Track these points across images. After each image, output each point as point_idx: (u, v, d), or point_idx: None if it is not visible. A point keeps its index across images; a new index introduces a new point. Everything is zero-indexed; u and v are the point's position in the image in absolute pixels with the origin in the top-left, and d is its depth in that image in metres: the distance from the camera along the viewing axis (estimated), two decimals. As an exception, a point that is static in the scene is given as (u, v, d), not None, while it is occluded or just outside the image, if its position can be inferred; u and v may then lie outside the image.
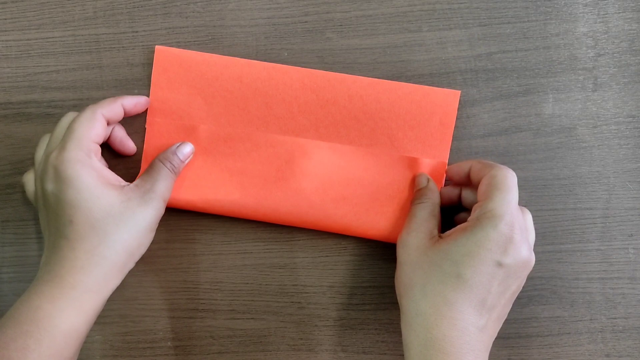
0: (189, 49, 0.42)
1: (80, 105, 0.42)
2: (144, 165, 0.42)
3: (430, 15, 0.42)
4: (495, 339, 0.42)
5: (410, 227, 0.38)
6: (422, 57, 0.42)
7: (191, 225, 0.43)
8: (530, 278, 0.42)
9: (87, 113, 0.38)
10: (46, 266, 0.36)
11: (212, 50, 0.42)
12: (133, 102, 0.40)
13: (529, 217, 0.38)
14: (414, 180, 0.42)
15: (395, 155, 0.42)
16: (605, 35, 0.42)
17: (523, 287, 0.41)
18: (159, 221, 0.39)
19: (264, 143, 0.42)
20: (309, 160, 0.42)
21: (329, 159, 0.42)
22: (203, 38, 0.42)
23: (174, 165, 0.40)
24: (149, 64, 0.42)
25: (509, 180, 0.36)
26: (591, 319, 0.42)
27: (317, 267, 0.43)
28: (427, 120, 0.42)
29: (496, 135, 0.42)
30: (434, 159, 0.42)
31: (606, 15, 0.42)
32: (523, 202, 0.42)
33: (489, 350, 0.36)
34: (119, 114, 0.40)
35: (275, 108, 0.42)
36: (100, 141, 0.39)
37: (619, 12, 0.43)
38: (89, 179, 0.36)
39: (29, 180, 0.40)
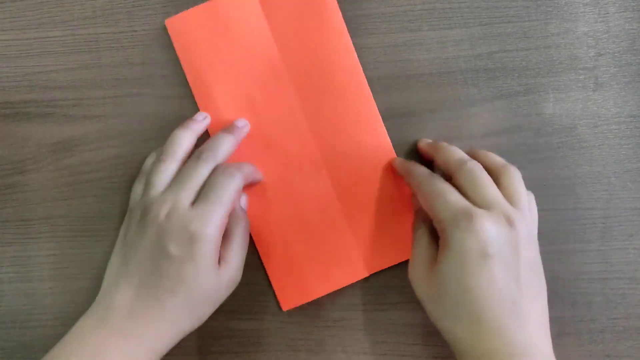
0: (189, 48, 0.42)
1: (80, 105, 0.42)
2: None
3: (431, 15, 0.42)
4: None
5: (412, 259, 0.38)
6: (422, 56, 0.42)
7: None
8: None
9: (238, 181, 0.37)
10: (123, 310, 0.35)
11: (212, 49, 0.42)
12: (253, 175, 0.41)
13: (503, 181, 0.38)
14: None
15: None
16: (606, 35, 0.42)
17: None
18: None
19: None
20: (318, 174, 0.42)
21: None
22: (203, 37, 0.42)
23: (247, 222, 0.40)
24: (149, 63, 0.42)
25: (436, 187, 0.36)
26: (592, 320, 0.42)
27: (317, 267, 0.43)
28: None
29: (497, 135, 0.42)
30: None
31: (607, 15, 0.42)
32: (523, 202, 0.42)
33: (547, 322, 0.36)
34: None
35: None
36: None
37: (620, 12, 0.42)
38: (210, 261, 0.36)
39: (137, 189, 0.40)
